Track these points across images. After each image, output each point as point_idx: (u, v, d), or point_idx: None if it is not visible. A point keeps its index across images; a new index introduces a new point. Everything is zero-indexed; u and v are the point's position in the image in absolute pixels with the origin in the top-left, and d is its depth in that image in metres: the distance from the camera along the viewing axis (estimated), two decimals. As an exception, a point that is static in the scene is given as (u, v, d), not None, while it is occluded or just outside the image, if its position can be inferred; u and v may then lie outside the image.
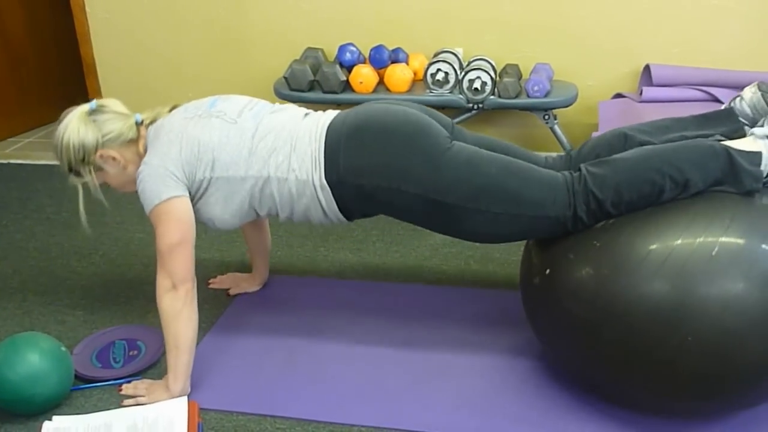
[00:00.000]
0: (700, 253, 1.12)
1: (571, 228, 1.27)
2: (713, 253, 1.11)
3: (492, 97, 2.39)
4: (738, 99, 1.36)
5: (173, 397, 1.33)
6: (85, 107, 1.43)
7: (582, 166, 1.29)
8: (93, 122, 1.40)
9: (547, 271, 1.28)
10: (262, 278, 1.83)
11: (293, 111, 1.46)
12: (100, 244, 2.11)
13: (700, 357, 1.11)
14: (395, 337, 1.58)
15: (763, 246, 1.12)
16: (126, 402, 1.37)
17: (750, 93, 1.34)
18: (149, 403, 1.32)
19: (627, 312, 1.15)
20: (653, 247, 1.15)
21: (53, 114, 3.95)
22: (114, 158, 1.42)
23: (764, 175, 1.22)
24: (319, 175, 1.35)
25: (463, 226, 1.32)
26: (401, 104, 1.42)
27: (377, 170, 1.32)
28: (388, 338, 1.57)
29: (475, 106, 2.41)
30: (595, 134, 2.13)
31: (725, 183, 1.21)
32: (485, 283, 1.83)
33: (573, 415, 1.31)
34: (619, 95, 2.52)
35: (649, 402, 1.24)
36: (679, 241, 1.14)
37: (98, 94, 3.02)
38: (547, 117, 2.43)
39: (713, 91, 2.33)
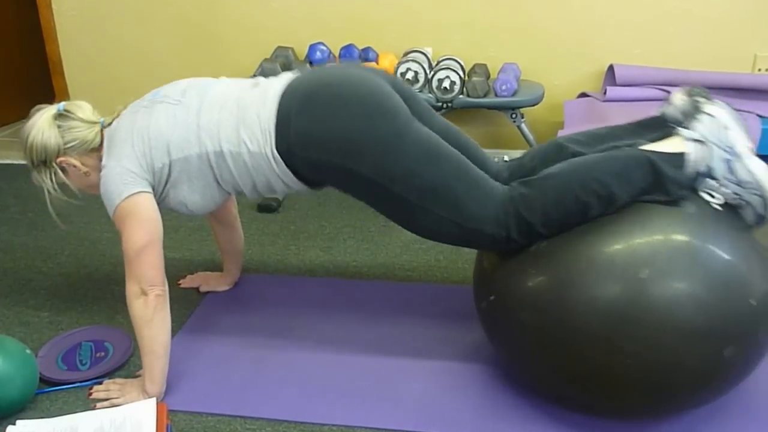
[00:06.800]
0: (641, 264, 1.12)
1: (504, 247, 1.26)
2: (644, 275, 1.11)
3: (461, 96, 2.42)
4: (667, 105, 1.34)
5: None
6: (53, 110, 1.41)
7: (511, 187, 1.27)
8: (57, 127, 1.39)
9: (492, 297, 1.29)
10: (233, 279, 1.82)
11: (240, 81, 1.41)
12: (67, 244, 2.09)
13: (647, 368, 1.13)
14: (365, 335, 1.59)
15: (702, 254, 1.12)
16: (100, 405, 1.34)
17: (680, 99, 1.31)
18: (125, 404, 1.29)
19: (576, 327, 1.15)
20: (603, 258, 1.15)
21: (17, 113, 3.85)
22: (74, 166, 1.41)
23: (690, 178, 1.19)
24: (270, 147, 1.31)
25: (408, 217, 1.30)
26: (365, 70, 1.34)
27: (328, 144, 1.26)
28: (358, 336, 1.59)
29: (444, 105, 2.43)
30: (561, 132, 2.18)
31: (651, 192, 1.19)
32: (455, 280, 1.85)
33: (537, 417, 1.32)
34: (583, 94, 2.58)
35: (600, 406, 1.25)
36: (624, 249, 1.14)
37: (65, 93, 2.97)
38: (514, 116, 2.47)
39: (674, 90, 2.40)
